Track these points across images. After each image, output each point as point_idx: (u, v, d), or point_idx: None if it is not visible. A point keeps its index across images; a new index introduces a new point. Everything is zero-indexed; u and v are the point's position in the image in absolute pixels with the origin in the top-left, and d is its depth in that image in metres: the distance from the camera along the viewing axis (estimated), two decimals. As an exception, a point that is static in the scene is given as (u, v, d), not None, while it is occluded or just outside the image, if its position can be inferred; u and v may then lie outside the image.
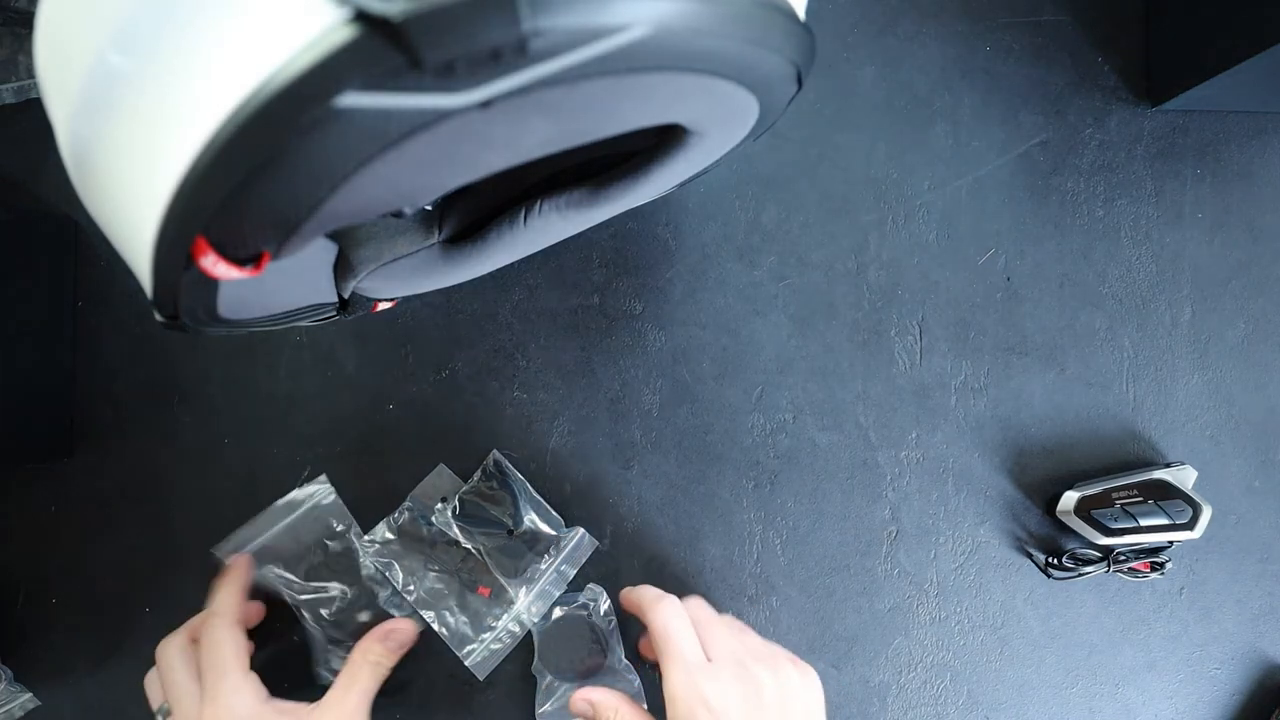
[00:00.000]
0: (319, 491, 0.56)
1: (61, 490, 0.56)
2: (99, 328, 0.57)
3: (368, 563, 0.55)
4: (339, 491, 0.56)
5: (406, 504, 0.55)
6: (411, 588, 0.55)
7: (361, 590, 0.56)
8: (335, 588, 0.55)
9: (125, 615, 0.56)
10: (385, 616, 0.55)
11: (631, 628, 0.55)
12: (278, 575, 0.55)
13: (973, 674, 0.55)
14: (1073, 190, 0.56)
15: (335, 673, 0.52)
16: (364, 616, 0.56)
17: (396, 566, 0.55)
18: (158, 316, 0.29)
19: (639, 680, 0.54)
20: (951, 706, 0.55)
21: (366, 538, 0.55)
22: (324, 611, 0.55)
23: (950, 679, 0.55)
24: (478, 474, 0.55)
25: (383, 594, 0.55)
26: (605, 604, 0.54)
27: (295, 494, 0.56)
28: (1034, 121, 0.57)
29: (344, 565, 0.56)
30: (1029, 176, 0.56)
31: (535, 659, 0.54)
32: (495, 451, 0.55)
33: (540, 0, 0.20)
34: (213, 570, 0.52)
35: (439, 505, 0.55)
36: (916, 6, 0.57)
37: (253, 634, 0.50)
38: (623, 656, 0.54)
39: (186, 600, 0.55)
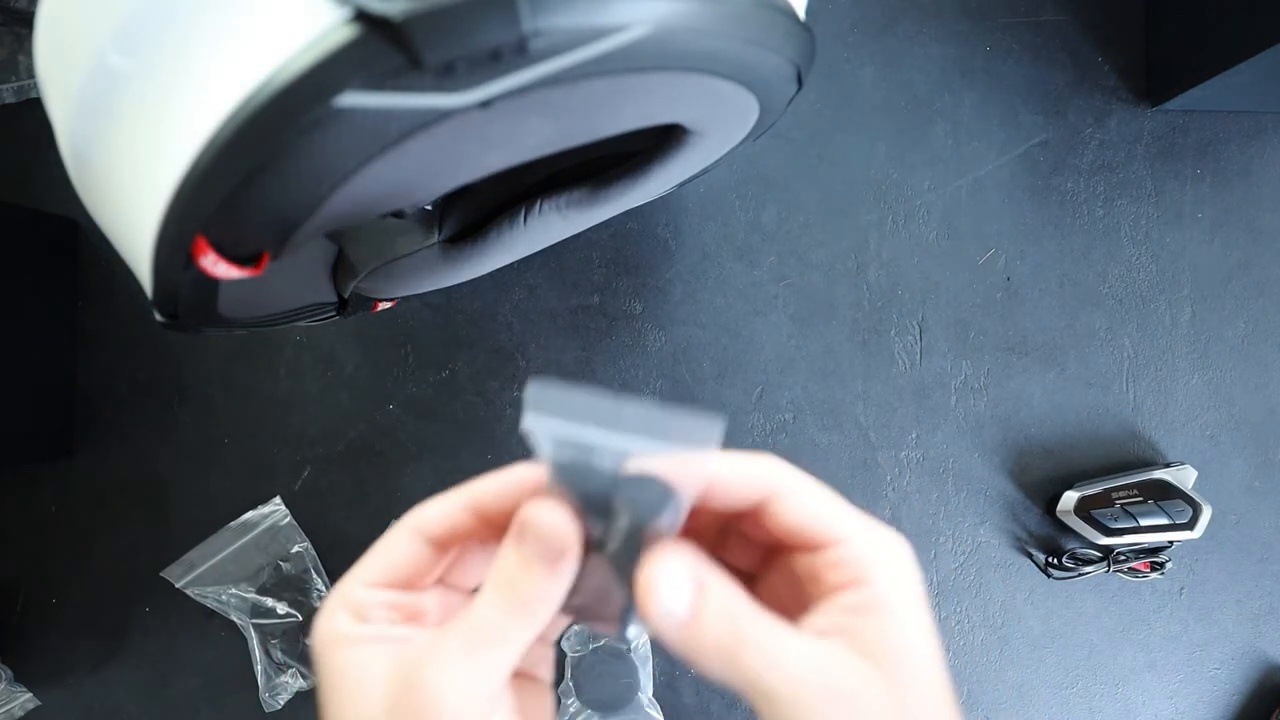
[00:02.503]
0: (275, 513, 0.56)
1: (61, 490, 0.56)
2: (99, 328, 0.57)
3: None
4: (338, 491, 0.56)
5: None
6: None
7: (310, 613, 0.55)
8: (284, 609, 0.55)
9: (125, 615, 0.56)
10: None
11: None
12: (230, 595, 0.55)
13: (973, 674, 0.55)
14: (1073, 190, 0.56)
15: (280, 701, 0.54)
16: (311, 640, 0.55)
17: None
18: (158, 316, 0.29)
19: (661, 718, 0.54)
20: (951, 706, 0.55)
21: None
22: (272, 637, 0.55)
23: (950, 679, 0.55)
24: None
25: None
26: (644, 638, 0.54)
27: (250, 515, 0.56)
28: (1034, 121, 0.56)
29: (296, 586, 0.55)
30: (1029, 176, 0.56)
31: (565, 681, 0.54)
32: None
33: (540, 0, 0.20)
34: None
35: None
36: (916, 6, 0.57)
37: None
38: (650, 693, 0.54)
39: (187, 601, 0.55)
